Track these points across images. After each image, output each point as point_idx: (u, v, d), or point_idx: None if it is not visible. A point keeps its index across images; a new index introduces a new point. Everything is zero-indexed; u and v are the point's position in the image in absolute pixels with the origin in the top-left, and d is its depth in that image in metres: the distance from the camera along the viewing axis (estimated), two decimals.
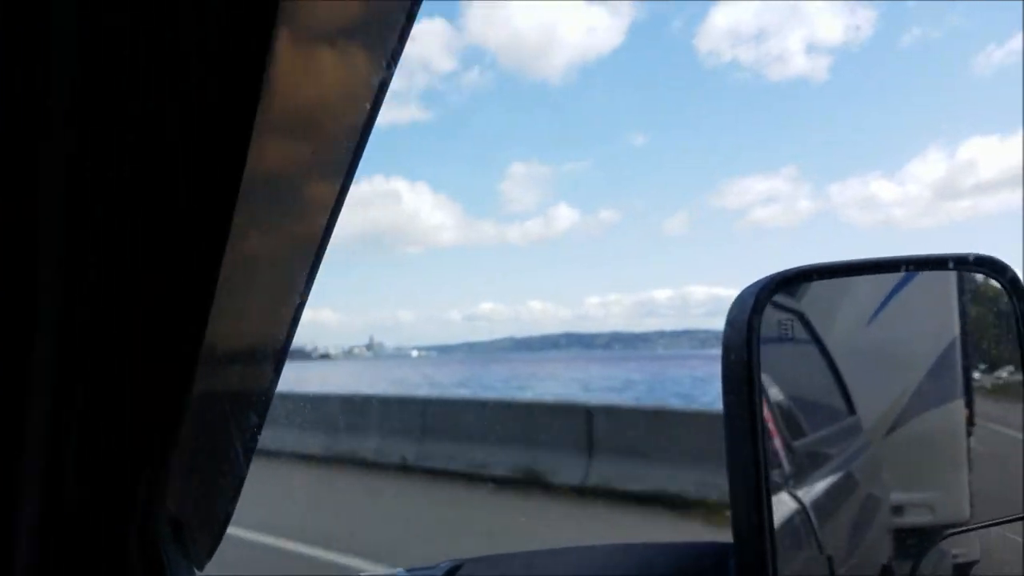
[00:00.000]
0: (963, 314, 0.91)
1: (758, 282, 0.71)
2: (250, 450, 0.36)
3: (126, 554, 0.33)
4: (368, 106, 0.27)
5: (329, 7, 0.25)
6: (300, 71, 0.25)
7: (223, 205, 0.25)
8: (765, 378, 0.95)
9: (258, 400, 0.34)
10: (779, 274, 0.74)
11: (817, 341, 0.97)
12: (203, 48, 0.23)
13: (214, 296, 0.27)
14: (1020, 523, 0.87)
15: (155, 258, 0.25)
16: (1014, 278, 0.88)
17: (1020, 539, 0.87)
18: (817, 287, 0.96)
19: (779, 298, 0.98)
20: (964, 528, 0.94)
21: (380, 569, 0.61)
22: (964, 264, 0.92)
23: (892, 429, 0.97)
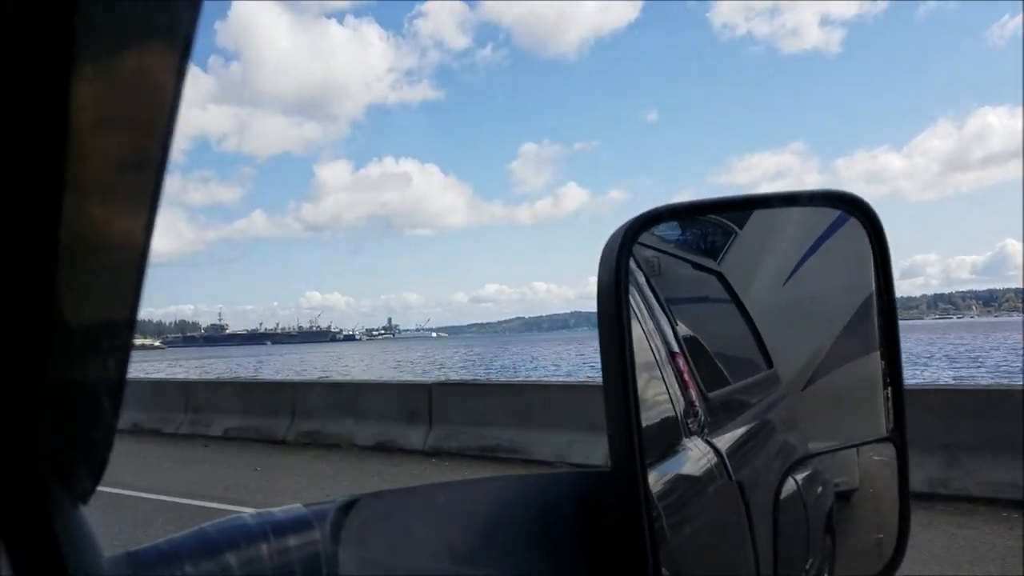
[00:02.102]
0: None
1: (625, 224, 0.76)
2: (118, 390, 0.38)
3: (5, 492, 0.35)
4: (169, 102, 0.29)
5: (122, 12, 0.27)
6: (105, 73, 0.27)
7: (51, 198, 0.28)
8: (683, 333, 0.99)
9: (116, 345, 0.36)
10: (645, 214, 0.79)
11: (736, 300, 1.01)
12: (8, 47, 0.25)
13: (58, 252, 0.29)
14: (893, 447, 0.91)
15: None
16: (871, 214, 0.91)
17: (894, 464, 0.91)
18: (736, 249, 1.00)
19: (699, 259, 1.02)
20: (829, 449, 1.00)
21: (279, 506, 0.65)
22: (822, 200, 0.95)
23: (810, 382, 1.01)
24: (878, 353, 0.96)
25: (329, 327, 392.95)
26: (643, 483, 0.68)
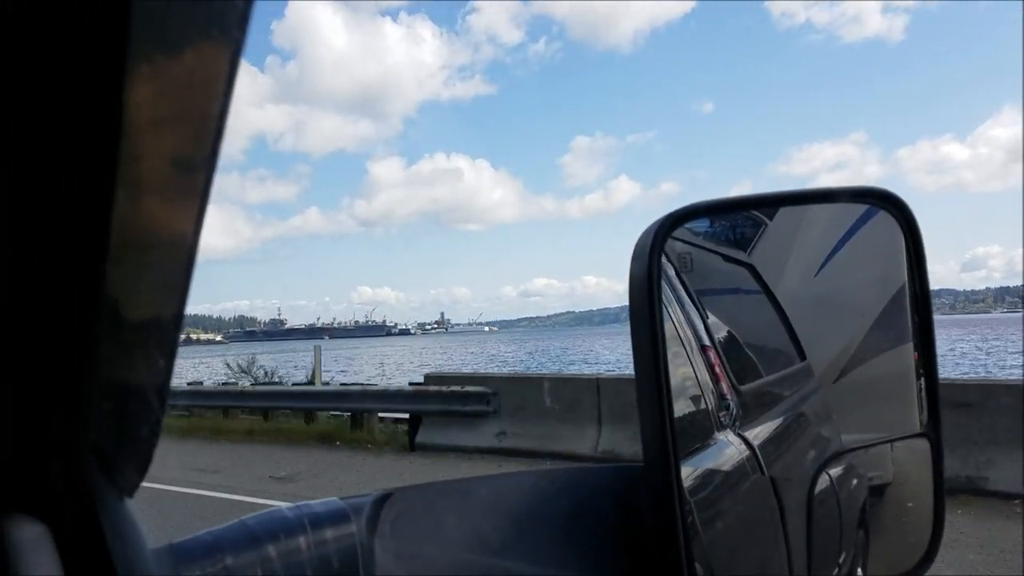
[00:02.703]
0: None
1: (658, 220, 0.76)
2: (164, 386, 0.38)
3: (52, 484, 0.36)
4: (220, 100, 0.29)
5: (175, 11, 0.27)
6: (158, 71, 0.27)
7: (102, 196, 0.28)
8: (714, 326, 1.00)
9: (163, 342, 0.36)
10: (678, 210, 0.79)
11: (767, 292, 1.02)
12: (65, 49, 0.25)
13: (108, 250, 0.29)
14: (927, 442, 0.91)
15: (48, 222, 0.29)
16: (908, 212, 0.90)
17: (929, 459, 0.90)
18: (766, 241, 1.00)
19: (730, 252, 1.03)
20: (863, 445, 0.99)
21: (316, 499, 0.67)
22: (860, 197, 0.94)
23: (842, 375, 1.00)
24: (911, 344, 0.95)
25: (384, 321, 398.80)
26: (676, 478, 0.68)
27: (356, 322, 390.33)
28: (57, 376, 0.34)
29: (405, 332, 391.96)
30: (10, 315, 0.31)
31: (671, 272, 0.91)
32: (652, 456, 0.69)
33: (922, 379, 0.94)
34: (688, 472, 0.78)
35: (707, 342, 0.98)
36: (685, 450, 0.81)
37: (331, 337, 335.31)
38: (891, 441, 0.99)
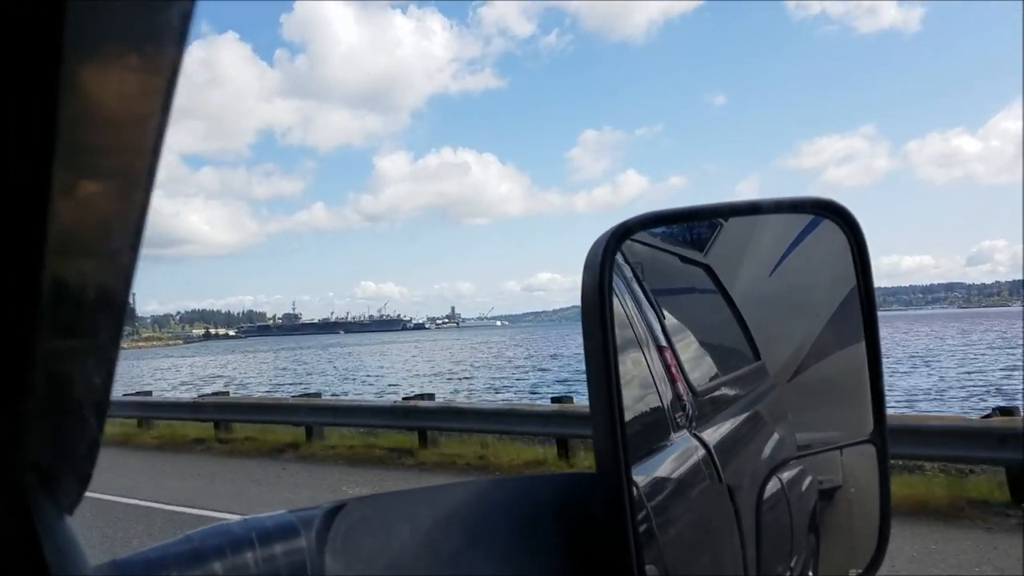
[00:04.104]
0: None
1: (610, 229, 0.78)
2: (103, 402, 0.38)
3: None
4: (158, 115, 0.29)
5: (109, 24, 0.27)
6: (92, 83, 0.27)
7: (38, 205, 0.28)
8: (671, 326, 1.02)
9: (101, 357, 0.36)
10: (629, 221, 0.81)
11: (723, 292, 1.03)
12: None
13: (44, 261, 0.28)
14: (873, 447, 0.93)
15: None
16: (853, 221, 0.91)
17: (875, 463, 0.92)
18: (722, 242, 1.01)
19: (686, 252, 1.04)
20: (812, 452, 1.01)
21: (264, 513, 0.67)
22: (806, 208, 0.95)
23: (796, 373, 1.02)
24: (863, 344, 0.96)
25: (399, 316, 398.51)
26: (627, 486, 0.68)
27: (371, 316, 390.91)
28: None
29: (420, 327, 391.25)
30: None
31: (628, 274, 0.92)
32: (604, 462, 0.69)
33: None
34: (645, 475, 0.79)
35: (664, 343, 0.99)
36: (642, 452, 0.82)
37: (346, 332, 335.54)
38: (839, 448, 1.00)
